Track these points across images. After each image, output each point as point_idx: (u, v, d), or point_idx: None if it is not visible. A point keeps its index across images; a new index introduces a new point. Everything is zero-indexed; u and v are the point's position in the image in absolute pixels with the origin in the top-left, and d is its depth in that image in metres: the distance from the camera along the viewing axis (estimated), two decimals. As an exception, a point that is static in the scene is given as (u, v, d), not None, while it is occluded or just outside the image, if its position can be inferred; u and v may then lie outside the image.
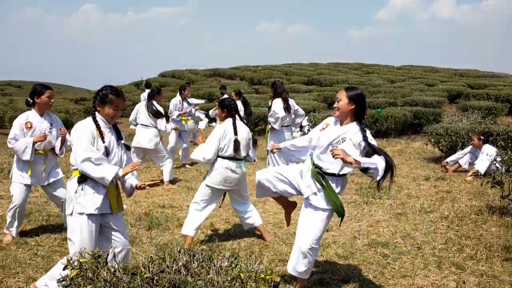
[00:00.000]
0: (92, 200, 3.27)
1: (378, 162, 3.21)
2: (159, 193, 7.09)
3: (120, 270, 2.33)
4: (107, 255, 2.54)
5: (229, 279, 2.33)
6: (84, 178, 3.28)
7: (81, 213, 3.25)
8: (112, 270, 2.33)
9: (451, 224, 5.37)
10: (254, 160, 6.28)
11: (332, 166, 3.48)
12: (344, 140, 3.44)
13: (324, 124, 3.67)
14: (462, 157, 8.36)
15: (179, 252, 2.62)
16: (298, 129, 13.29)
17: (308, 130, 13.47)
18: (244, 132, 4.82)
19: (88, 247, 3.13)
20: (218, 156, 4.75)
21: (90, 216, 3.26)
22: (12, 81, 38.14)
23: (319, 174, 3.50)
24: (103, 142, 3.30)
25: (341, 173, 3.50)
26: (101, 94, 3.37)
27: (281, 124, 6.86)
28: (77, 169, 3.29)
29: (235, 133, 4.73)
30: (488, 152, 7.84)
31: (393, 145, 11.17)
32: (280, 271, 4.00)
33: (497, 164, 6.17)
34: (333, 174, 3.50)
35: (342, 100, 3.48)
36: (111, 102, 3.35)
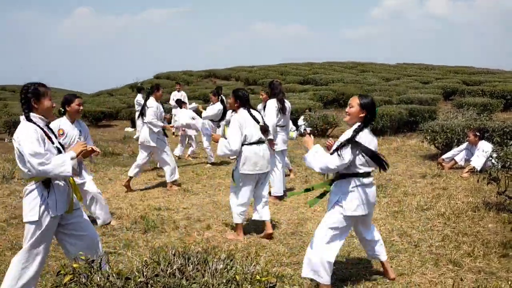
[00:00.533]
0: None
1: None
2: (155, 195, 7.06)
3: (114, 275, 2.30)
4: (101, 260, 2.51)
5: (224, 281, 2.31)
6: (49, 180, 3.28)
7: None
8: (106, 274, 2.31)
9: (448, 221, 5.37)
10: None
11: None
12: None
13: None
14: (458, 153, 8.37)
15: (174, 255, 2.59)
16: (295, 128, 13.29)
17: (304, 129, 13.48)
18: (259, 117, 5.13)
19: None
20: (243, 144, 4.96)
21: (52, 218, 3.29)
22: (6, 86, 37.97)
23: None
24: (53, 143, 3.30)
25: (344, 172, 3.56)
26: (31, 91, 3.27)
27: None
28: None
29: (256, 120, 5.03)
30: (484, 149, 7.85)
31: (389, 143, 11.17)
32: (276, 272, 3.98)
33: (493, 160, 6.18)
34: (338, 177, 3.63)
35: (354, 107, 3.57)
36: (45, 94, 3.31)
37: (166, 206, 6.39)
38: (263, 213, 5.17)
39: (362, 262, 4.27)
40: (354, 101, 3.60)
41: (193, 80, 30.52)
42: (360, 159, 3.52)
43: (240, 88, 5.36)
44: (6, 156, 9.98)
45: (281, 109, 6.67)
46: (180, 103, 10.69)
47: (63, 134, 4.98)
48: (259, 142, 5.05)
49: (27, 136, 3.16)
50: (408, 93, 16.77)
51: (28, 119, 3.26)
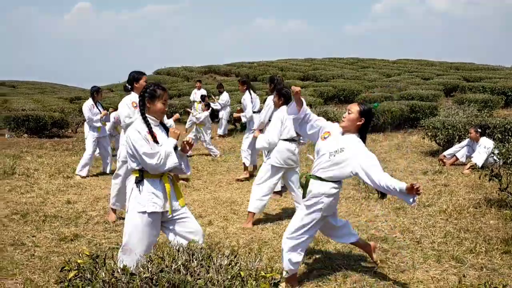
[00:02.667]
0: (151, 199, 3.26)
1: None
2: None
3: (119, 271, 2.30)
4: (105, 255, 2.51)
5: (229, 277, 2.31)
6: (141, 177, 3.27)
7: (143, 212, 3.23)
8: (111, 270, 2.30)
9: (450, 218, 5.37)
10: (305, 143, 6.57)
11: (328, 174, 3.59)
12: (343, 150, 3.54)
13: (325, 132, 3.70)
14: (459, 150, 8.37)
15: (178, 251, 2.59)
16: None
17: None
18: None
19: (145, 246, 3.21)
20: (279, 139, 5.31)
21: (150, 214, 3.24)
22: (6, 81, 37.91)
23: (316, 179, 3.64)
24: (158, 143, 3.28)
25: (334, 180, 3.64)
26: (149, 91, 3.35)
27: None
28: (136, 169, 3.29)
29: None
30: (486, 145, 7.85)
31: (390, 139, 11.17)
32: (279, 268, 3.98)
33: (494, 157, 6.17)
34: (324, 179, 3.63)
35: (354, 114, 3.59)
36: (161, 97, 3.35)
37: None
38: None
39: (363, 259, 4.27)
40: (354, 108, 3.62)
41: (193, 76, 30.45)
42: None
43: (284, 87, 5.63)
44: (6, 151, 9.97)
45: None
46: (204, 98, 11.38)
47: (136, 106, 5.09)
48: (293, 139, 5.38)
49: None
50: (409, 89, 16.74)
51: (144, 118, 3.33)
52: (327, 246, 4.61)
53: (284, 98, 5.44)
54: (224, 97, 13.48)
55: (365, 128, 3.66)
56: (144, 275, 2.26)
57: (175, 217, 3.35)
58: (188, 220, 3.40)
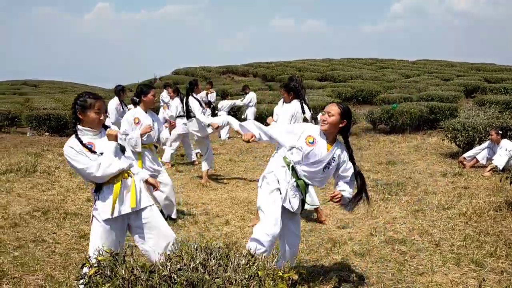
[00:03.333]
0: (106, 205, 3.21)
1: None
2: (174, 190, 7.10)
3: (138, 268, 2.33)
4: (125, 252, 2.54)
5: (246, 277, 2.32)
6: (99, 187, 3.22)
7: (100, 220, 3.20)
8: (130, 268, 2.33)
9: (470, 221, 5.29)
10: None
11: (317, 182, 3.56)
12: (334, 160, 3.48)
13: (309, 137, 3.48)
14: (479, 152, 8.24)
15: (196, 249, 2.61)
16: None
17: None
18: (308, 112, 5.47)
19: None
20: None
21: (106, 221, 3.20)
22: (28, 80, 38.62)
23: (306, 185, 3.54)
24: (95, 153, 3.20)
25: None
26: (79, 102, 3.20)
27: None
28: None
29: (303, 111, 5.37)
30: (507, 147, 7.72)
31: (409, 141, 11.05)
32: (296, 268, 3.98)
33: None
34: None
35: (335, 116, 3.41)
36: (92, 106, 3.19)
37: (185, 201, 6.44)
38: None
39: (381, 261, 4.24)
40: (335, 110, 3.42)
41: (211, 76, 30.61)
42: None
43: (291, 82, 5.63)
44: (28, 150, 10.15)
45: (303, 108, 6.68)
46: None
47: (138, 122, 5.21)
48: None
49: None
50: (429, 90, 16.55)
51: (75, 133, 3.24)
52: (344, 247, 4.59)
53: (294, 92, 5.49)
54: (249, 96, 13.74)
55: (347, 129, 3.50)
56: (163, 273, 2.29)
57: (143, 221, 3.29)
58: (157, 225, 3.33)
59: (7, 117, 13.57)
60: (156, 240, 3.29)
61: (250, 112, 13.77)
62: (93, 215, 3.23)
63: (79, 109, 3.19)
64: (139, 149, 5.17)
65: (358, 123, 13.73)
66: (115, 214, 3.19)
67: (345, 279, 3.86)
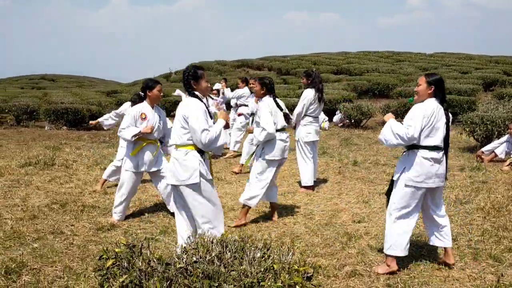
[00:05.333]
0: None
1: None
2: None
3: (155, 260, 2.36)
4: (142, 245, 2.57)
5: (262, 270, 2.33)
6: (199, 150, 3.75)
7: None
8: (147, 260, 2.36)
9: (488, 216, 5.22)
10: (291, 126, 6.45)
11: None
12: None
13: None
14: (498, 146, 8.11)
15: (212, 242, 2.63)
16: (327, 118, 13.14)
17: (341, 118, 13.36)
18: (283, 105, 5.43)
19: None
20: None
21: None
22: (46, 75, 39.11)
23: None
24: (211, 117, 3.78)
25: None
26: (191, 73, 3.78)
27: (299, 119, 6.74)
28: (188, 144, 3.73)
29: (280, 108, 5.31)
30: (527, 141, 7.59)
31: (426, 135, 10.93)
32: (312, 262, 3.97)
33: (536, 154, 5.95)
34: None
35: (422, 85, 3.83)
36: (203, 76, 3.82)
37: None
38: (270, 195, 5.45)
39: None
40: (422, 80, 3.85)
41: (226, 70, 30.62)
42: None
43: (265, 76, 5.55)
44: (46, 143, 10.31)
45: (319, 99, 6.65)
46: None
47: (145, 118, 5.11)
48: (283, 129, 5.33)
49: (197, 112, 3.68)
50: (446, 83, 16.32)
51: (194, 95, 3.79)
52: (360, 241, 4.57)
53: (266, 87, 5.30)
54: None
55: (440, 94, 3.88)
56: (179, 265, 2.31)
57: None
58: None
59: (25, 111, 13.77)
60: None
61: None
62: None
63: (191, 79, 3.78)
64: (130, 139, 5.06)
65: (373, 117, 13.61)
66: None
67: (361, 273, 3.84)
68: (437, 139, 3.74)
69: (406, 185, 3.75)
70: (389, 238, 3.84)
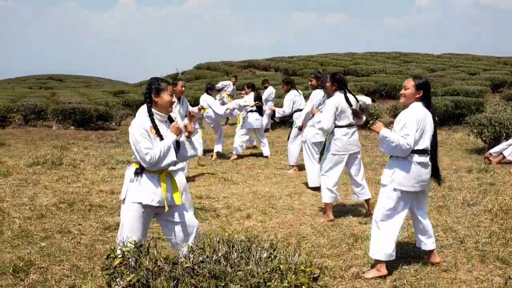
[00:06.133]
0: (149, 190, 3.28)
1: None
2: (196, 184, 7.18)
3: (162, 260, 2.37)
4: (149, 244, 2.58)
5: (268, 270, 2.33)
6: (141, 170, 3.29)
7: (136, 202, 3.27)
8: (154, 259, 2.37)
9: (495, 218, 5.19)
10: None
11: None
12: None
13: None
14: (506, 148, 8.05)
15: (219, 242, 2.64)
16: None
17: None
18: (354, 101, 5.38)
19: (136, 235, 3.19)
20: (335, 127, 5.25)
21: (144, 206, 3.28)
22: (53, 75, 39.34)
23: None
24: (161, 139, 3.29)
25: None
26: (154, 86, 3.36)
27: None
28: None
29: (349, 103, 5.27)
30: (535, 143, 7.53)
31: (433, 136, 10.88)
32: (318, 263, 3.97)
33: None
34: None
35: (410, 88, 3.78)
36: (166, 89, 3.36)
37: (207, 194, 6.48)
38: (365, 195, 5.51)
39: (404, 256, 4.20)
40: (409, 83, 3.80)
41: (233, 71, 30.67)
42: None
43: (337, 73, 5.69)
44: (54, 143, 10.37)
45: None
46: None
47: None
48: (350, 125, 5.32)
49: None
50: (454, 85, 16.25)
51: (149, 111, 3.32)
52: (366, 243, 4.55)
53: (337, 83, 5.36)
54: (268, 91, 13.49)
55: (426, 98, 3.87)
56: (186, 265, 2.32)
57: (173, 216, 3.38)
58: (184, 220, 3.41)
59: (33, 111, 13.87)
60: (181, 231, 3.39)
61: (267, 107, 13.51)
62: (129, 197, 3.27)
63: (154, 92, 3.33)
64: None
65: (381, 118, 13.56)
66: (162, 204, 3.28)
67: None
68: (425, 142, 3.77)
69: (394, 189, 3.76)
70: (376, 242, 3.82)
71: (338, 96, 5.31)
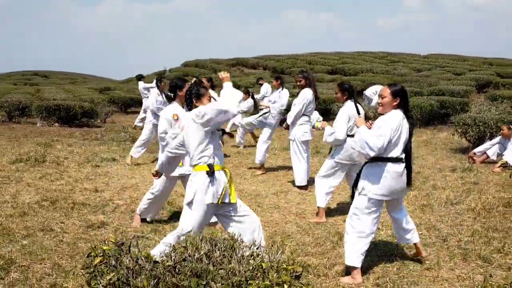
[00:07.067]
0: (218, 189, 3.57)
1: None
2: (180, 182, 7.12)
3: (143, 258, 2.34)
4: (130, 243, 2.56)
5: (250, 268, 2.32)
6: (212, 171, 3.56)
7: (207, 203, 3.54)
8: (135, 257, 2.35)
9: (478, 216, 5.25)
10: None
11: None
12: None
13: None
14: (490, 147, 8.15)
15: (201, 241, 2.62)
16: (321, 118, 13.11)
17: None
18: (362, 111, 5.37)
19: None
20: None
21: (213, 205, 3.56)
22: (38, 71, 38.85)
23: None
24: None
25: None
26: (194, 91, 3.75)
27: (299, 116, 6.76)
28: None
29: (358, 112, 5.27)
30: (518, 143, 7.63)
31: (419, 135, 10.96)
32: (302, 261, 3.97)
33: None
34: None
35: (387, 97, 3.76)
36: (205, 94, 3.76)
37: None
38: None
39: (387, 255, 4.22)
40: (385, 91, 3.76)
41: (221, 69, 30.59)
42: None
43: (345, 82, 5.67)
44: (38, 140, 10.23)
45: (315, 98, 6.73)
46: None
47: (177, 119, 4.99)
48: None
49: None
50: (440, 85, 16.40)
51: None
52: (350, 241, 4.57)
53: (348, 92, 5.37)
54: (263, 89, 13.42)
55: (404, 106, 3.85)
56: (167, 263, 2.30)
57: (231, 213, 3.68)
58: (243, 218, 3.69)
59: (17, 107, 13.66)
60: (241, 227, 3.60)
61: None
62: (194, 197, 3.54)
63: (194, 97, 3.77)
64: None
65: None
66: (217, 201, 3.55)
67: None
68: (399, 150, 3.72)
69: (369, 198, 3.73)
70: (348, 248, 3.79)
71: (349, 105, 5.31)
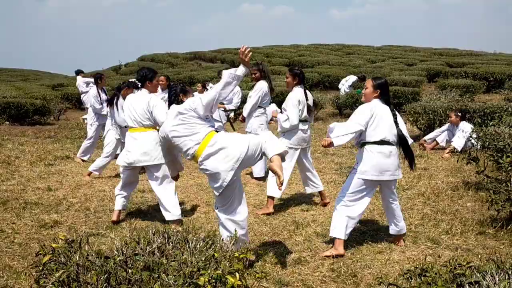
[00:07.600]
0: None
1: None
2: (139, 178, 7.03)
3: (93, 254, 2.31)
4: (81, 240, 2.52)
5: (203, 259, 2.34)
6: None
7: None
8: (85, 254, 2.32)
9: (428, 200, 5.47)
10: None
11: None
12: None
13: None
14: (439, 134, 8.48)
15: (154, 234, 2.61)
16: (279, 110, 13.20)
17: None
18: (310, 97, 5.46)
19: None
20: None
21: None
22: (-13, 68, 37.12)
23: None
24: None
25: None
26: (180, 87, 3.93)
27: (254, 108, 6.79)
28: None
29: (306, 98, 5.34)
30: (464, 129, 7.97)
31: (373, 125, 11.24)
32: (258, 250, 4.02)
33: (472, 141, 6.27)
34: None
35: (369, 88, 4.15)
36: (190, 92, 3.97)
37: (150, 188, 6.36)
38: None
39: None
40: (369, 83, 4.17)
41: (178, 63, 30.23)
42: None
43: (296, 67, 5.69)
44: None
45: (271, 90, 6.73)
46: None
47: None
48: (306, 120, 5.39)
49: None
50: (393, 75, 16.85)
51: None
52: (307, 229, 4.67)
53: (298, 77, 5.36)
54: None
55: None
56: (118, 258, 2.28)
57: None
58: None
59: (-36, 106, 13.05)
60: None
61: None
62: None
63: (181, 92, 3.93)
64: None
65: (324, 108, 13.86)
66: None
67: (306, 260, 3.93)
68: (382, 134, 4.02)
69: (357, 177, 4.04)
70: (334, 221, 4.09)
71: (298, 90, 5.33)
